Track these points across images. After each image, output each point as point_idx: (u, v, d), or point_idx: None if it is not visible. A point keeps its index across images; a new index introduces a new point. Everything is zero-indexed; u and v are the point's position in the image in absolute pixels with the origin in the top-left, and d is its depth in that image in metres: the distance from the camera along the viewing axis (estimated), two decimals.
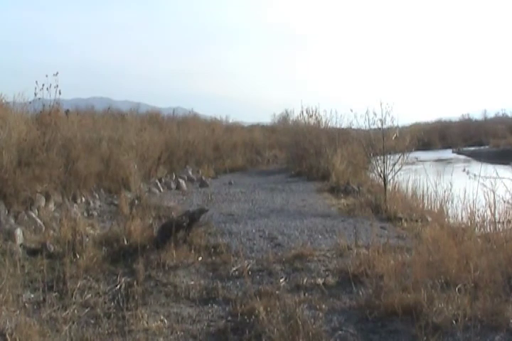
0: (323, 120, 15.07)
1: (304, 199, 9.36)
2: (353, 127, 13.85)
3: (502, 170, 5.56)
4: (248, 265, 4.69)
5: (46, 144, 6.83)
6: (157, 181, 10.52)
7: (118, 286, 4.15)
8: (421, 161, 12.24)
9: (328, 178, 11.90)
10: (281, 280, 4.28)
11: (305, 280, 4.24)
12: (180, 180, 11.32)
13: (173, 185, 10.96)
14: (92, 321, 3.47)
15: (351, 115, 17.06)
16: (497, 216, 4.90)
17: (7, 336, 2.97)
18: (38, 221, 5.79)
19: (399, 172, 8.67)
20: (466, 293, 3.43)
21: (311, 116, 15.51)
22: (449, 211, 6.63)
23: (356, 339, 3.15)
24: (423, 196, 8.19)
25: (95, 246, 5.00)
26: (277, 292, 3.91)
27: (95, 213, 7.22)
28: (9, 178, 5.84)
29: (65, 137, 7.52)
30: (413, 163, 9.97)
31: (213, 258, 5.01)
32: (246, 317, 3.45)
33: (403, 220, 6.82)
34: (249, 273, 4.43)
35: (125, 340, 3.17)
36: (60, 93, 7.48)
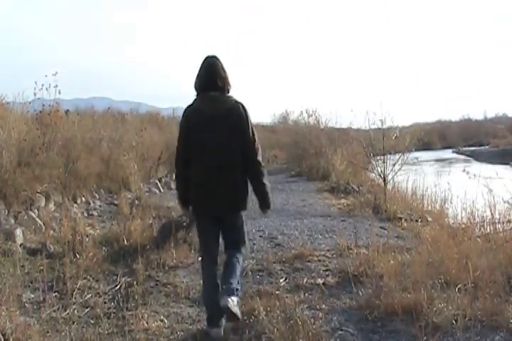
0: (323, 120, 15.10)
1: (304, 199, 9.37)
2: (353, 127, 13.88)
3: (502, 170, 5.56)
4: (248, 265, 4.69)
5: (46, 144, 6.83)
6: (157, 181, 10.53)
7: (118, 286, 4.16)
8: (421, 161, 12.25)
9: (328, 178, 11.91)
10: (281, 280, 4.28)
11: (305, 280, 4.24)
12: None
13: (173, 185, 10.95)
14: (92, 321, 3.47)
15: (351, 115, 17.09)
16: (497, 216, 4.91)
17: (7, 336, 2.98)
18: (38, 221, 5.79)
19: (399, 173, 8.67)
20: (466, 293, 3.43)
21: (310, 116, 15.53)
22: (449, 211, 6.63)
23: (356, 339, 3.15)
24: (423, 196, 8.19)
25: (95, 246, 5.00)
26: (277, 292, 3.91)
27: (95, 213, 7.22)
28: (9, 178, 5.84)
29: (65, 137, 7.52)
30: (413, 163, 9.97)
31: None
32: (246, 317, 3.45)
33: (403, 220, 6.81)
34: (249, 273, 4.43)
35: (125, 340, 3.18)
36: (59, 93, 7.49)
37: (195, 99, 3.29)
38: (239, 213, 3.33)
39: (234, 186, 3.21)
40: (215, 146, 3.16)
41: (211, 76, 3.23)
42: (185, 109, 3.32)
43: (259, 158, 3.26)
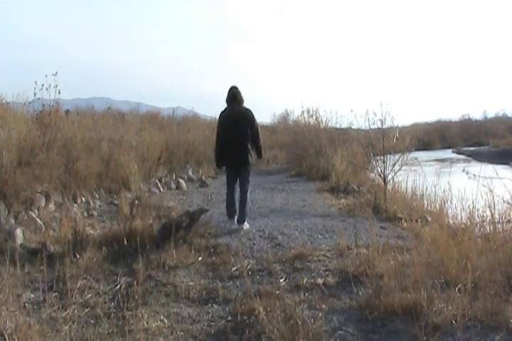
0: (323, 120, 15.08)
1: (304, 199, 9.37)
2: (353, 127, 13.86)
3: (502, 170, 5.54)
4: (248, 265, 4.69)
5: (46, 144, 6.84)
6: (157, 181, 10.52)
7: (118, 286, 4.16)
8: (421, 161, 12.23)
9: (328, 178, 11.90)
10: (281, 280, 4.28)
11: (305, 280, 4.24)
12: (180, 180, 11.32)
13: (173, 185, 10.96)
14: (92, 321, 3.47)
15: (351, 115, 17.06)
16: (496, 216, 4.90)
17: (7, 336, 2.97)
18: (38, 221, 5.79)
19: (399, 173, 8.66)
20: (466, 293, 3.43)
21: (311, 116, 15.51)
22: (449, 211, 6.61)
23: (356, 339, 3.15)
24: (423, 196, 8.18)
25: (95, 246, 5.00)
26: (277, 292, 3.91)
27: (95, 213, 7.22)
28: (9, 178, 5.85)
29: (65, 137, 7.53)
30: (413, 163, 9.96)
31: (213, 258, 5.02)
32: (246, 317, 3.45)
33: (403, 220, 6.81)
34: (249, 273, 4.43)
35: (125, 340, 3.18)
36: (59, 93, 7.50)
37: (226, 108, 6.49)
38: (248, 166, 6.46)
39: (245, 152, 6.33)
40: (236, 132, 6.28)
41: (234, 96, 6.44)
42: (221, 113, 6.56)
43: (259, 137, 6.50)
